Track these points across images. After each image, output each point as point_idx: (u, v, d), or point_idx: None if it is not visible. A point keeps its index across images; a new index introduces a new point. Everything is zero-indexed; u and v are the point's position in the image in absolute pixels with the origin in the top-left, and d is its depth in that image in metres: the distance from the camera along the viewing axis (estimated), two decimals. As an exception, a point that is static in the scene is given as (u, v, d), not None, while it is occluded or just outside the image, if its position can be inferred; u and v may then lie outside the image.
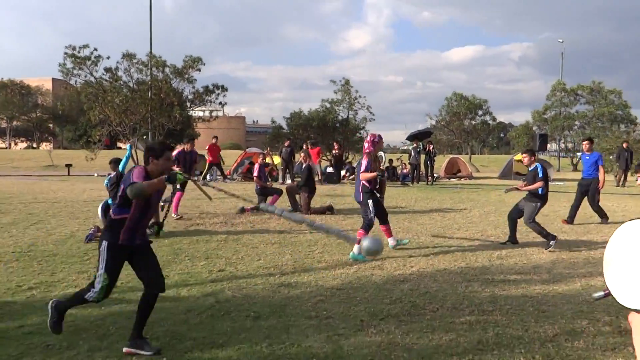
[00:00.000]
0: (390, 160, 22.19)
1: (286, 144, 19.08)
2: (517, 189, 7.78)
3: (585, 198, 9.65)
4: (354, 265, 6.16)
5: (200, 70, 24.56)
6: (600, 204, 9.69)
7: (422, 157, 19.24)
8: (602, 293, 2.44)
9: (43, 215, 9.48)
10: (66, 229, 8.14)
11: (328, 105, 29.31)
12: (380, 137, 6.97)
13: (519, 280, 5.54)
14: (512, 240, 7.46)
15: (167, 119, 23.95)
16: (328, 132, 28.01)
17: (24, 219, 9.06)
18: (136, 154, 19.64)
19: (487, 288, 5.21)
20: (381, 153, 10.33)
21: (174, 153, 8.12)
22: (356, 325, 4.14)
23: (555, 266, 6.20)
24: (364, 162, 6.78)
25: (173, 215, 8.90)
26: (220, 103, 27.23)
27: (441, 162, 24.88)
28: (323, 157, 22.10)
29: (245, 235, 7.91)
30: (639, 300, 2.07)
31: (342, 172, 20.48)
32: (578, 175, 11.77)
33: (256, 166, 11.13)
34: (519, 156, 23.50)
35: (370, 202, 6.69)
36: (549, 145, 39.40)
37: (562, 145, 39.57)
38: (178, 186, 8.64)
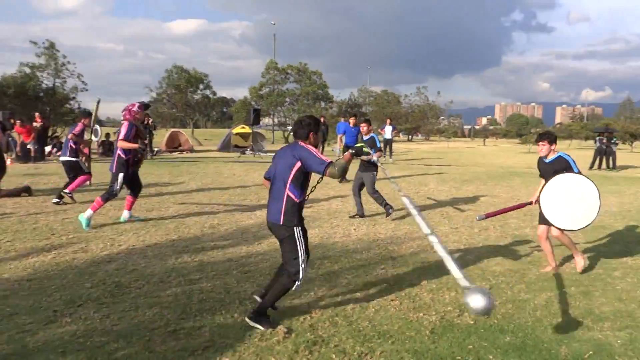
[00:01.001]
0: (107, 135, 20.61)
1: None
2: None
3: None
4: (53, 251, 5.49)
5: None
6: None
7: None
8: (483, 215, 5.50)
9: None
10: None
11: (28, 71, 25.33)
12: (140, 106, 6.80)
13: (227, 246, 5.84)
14: (360, 214, 7.71)
15: None
16: (29, 101, 24.28)
17: None
18: None
19: (196, 257, 5.32)
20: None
21: None
22: (47, 318, 3.70)
23: (261, 229, 6.74)
24: (123, 130, 6.59)
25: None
26: None
27: (162, 136, 24.37)
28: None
29: None
30: (568, 224, 4.65)
31: (48, 148, 18.11)
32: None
33: None
34: (237, 129, 24.78)
35: (121, 175, 6.65)
36: (265, 120, 42.77)
37: (276, 120, 43.34)
38: None
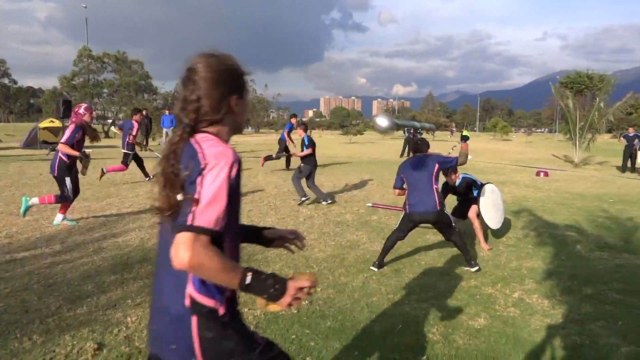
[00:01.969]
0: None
1: None
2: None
3: None
4: None
5: None
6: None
7: None
8: (370, 204, 7.73)
9: None
10: None
11: None
12: (87, 107, 6.53)
13: (28, 257, 5.10)
14: (302, 200, 8.41)
15: None
16: None
17: None
18: None
19: (-14, 274, 4.53)
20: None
21: None
22: None
23: (71, 234, 6.05)
24: (68, 132, 6.36)
25: None
26: None
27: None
28: None
29: None
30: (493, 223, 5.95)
31: None
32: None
33: None
34: (45, 123, 22.04)
35: (68, 179, 6.42)
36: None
37: (94, 114, 39.68)
38: None
